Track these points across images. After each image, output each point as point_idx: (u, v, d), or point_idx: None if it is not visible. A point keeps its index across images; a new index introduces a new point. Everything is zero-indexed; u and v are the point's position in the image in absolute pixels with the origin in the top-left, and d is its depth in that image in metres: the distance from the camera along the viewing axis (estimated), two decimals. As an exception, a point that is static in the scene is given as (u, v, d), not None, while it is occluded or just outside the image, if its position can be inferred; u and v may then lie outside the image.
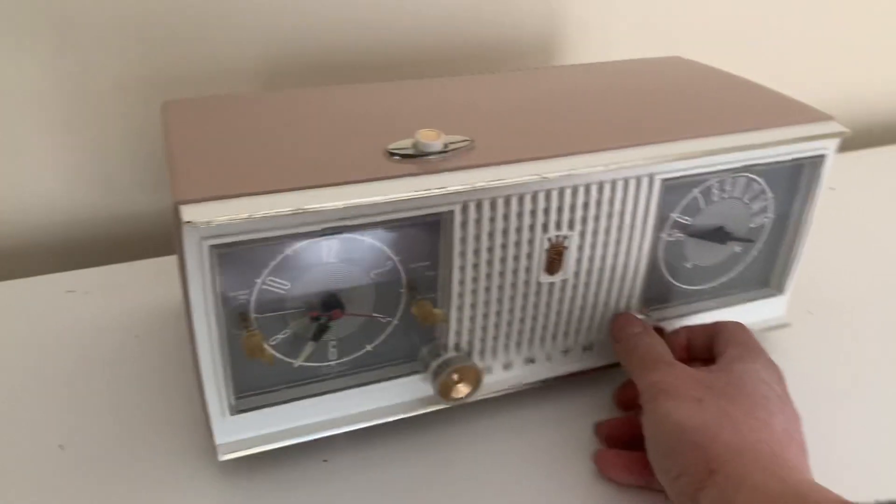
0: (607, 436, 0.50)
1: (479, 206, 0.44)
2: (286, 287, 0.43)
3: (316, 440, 0.47)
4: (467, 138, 0.45)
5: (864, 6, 0.95)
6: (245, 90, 0.70)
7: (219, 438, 0.45)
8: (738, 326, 0.49)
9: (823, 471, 0.40)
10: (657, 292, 0.54)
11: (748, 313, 0.57)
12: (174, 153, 0.43)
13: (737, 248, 0.54)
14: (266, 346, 0.43)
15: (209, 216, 0.37)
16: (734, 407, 0.41)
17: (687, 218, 0.51)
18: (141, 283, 0.64)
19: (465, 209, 0.43)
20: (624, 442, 0.48)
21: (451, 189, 0.42)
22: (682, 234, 0.52)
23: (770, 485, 0.34)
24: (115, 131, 0.68)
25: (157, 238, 0.73)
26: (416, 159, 0.43)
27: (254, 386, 0.45)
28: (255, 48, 0.69)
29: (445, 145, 0.44)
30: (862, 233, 0.77)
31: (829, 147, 0.51)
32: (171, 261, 0.68)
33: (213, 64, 0.68)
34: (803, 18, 0.92)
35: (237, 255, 0.40)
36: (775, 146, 0.49)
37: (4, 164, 0.66)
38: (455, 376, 0.48)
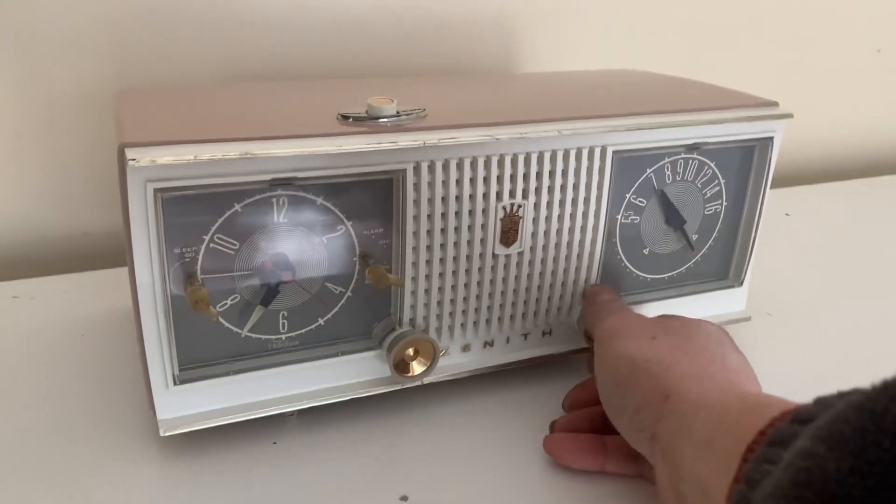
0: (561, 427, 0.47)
1: (431, 167, 0.43)
2: (235, 247, 0.42)
3: (266, 421, 0.45)
4: (421, 107, 0.46)
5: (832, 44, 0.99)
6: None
7: (160, 413, 0.43)
8: None
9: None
10: (615, 278, 0.53)
11: (708, 304, 0.57)
12: (122, 113, 0.43)
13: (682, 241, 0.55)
14: (211, 305, 0.42)
15: (154, 156, 0.37)
16: (689, 343, 0.40)
17: (642, 200, 0.51)
18: (88, 290, 0.63)
19: (417, 169, 0.43)
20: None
21: (403, 144, 0.41)
22: (637, 217, 0.52)
23: (730, 402, 0.33)
24: (67, 145, 0.67)
25: (109, 256, 0.71)
26: (369, 122, 0.43)
27: (200, 357, 0.43)
28: (215, 58, 0.69)
29: (398, 112, 0.44)
30: (816, 252, 0.78)
31: (776, 129, 0.52)
32: (120, 272, 0.66)
33: (171, 73, 0.68)
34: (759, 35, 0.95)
35: (183, 206, 0.39)
36: (724, 123, 0.50)
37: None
38: (410, 350, 0.46)
